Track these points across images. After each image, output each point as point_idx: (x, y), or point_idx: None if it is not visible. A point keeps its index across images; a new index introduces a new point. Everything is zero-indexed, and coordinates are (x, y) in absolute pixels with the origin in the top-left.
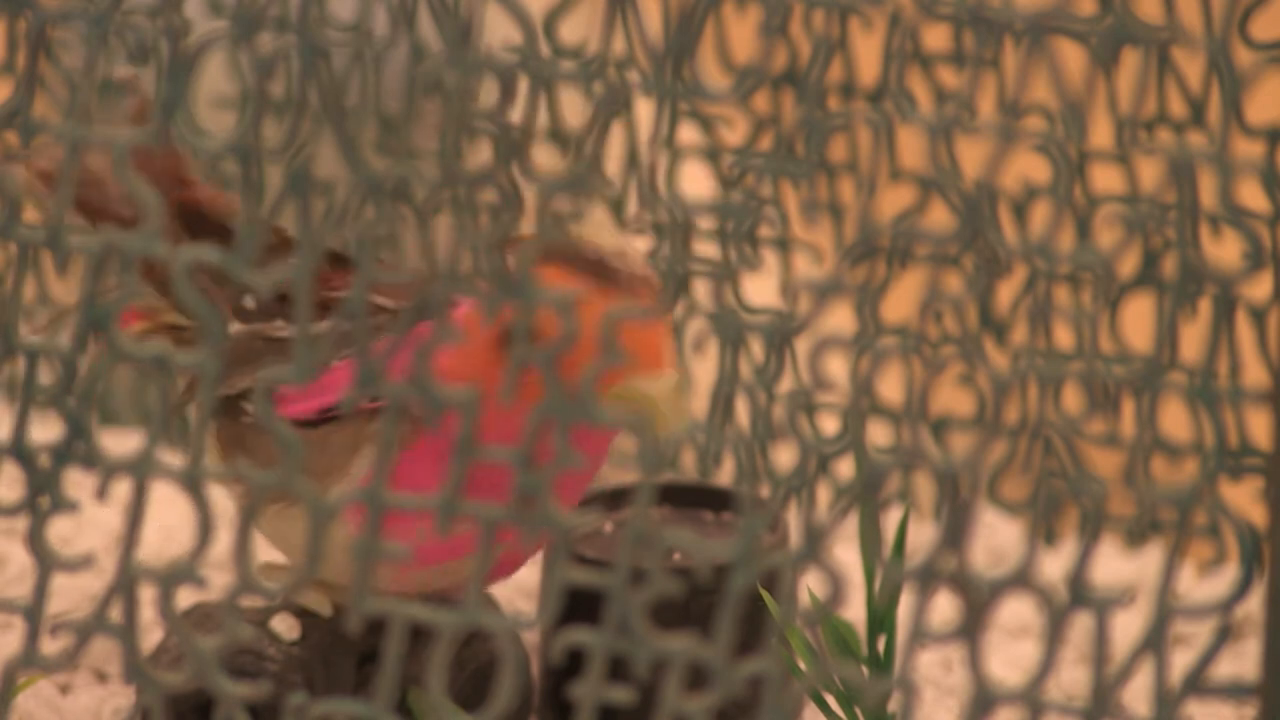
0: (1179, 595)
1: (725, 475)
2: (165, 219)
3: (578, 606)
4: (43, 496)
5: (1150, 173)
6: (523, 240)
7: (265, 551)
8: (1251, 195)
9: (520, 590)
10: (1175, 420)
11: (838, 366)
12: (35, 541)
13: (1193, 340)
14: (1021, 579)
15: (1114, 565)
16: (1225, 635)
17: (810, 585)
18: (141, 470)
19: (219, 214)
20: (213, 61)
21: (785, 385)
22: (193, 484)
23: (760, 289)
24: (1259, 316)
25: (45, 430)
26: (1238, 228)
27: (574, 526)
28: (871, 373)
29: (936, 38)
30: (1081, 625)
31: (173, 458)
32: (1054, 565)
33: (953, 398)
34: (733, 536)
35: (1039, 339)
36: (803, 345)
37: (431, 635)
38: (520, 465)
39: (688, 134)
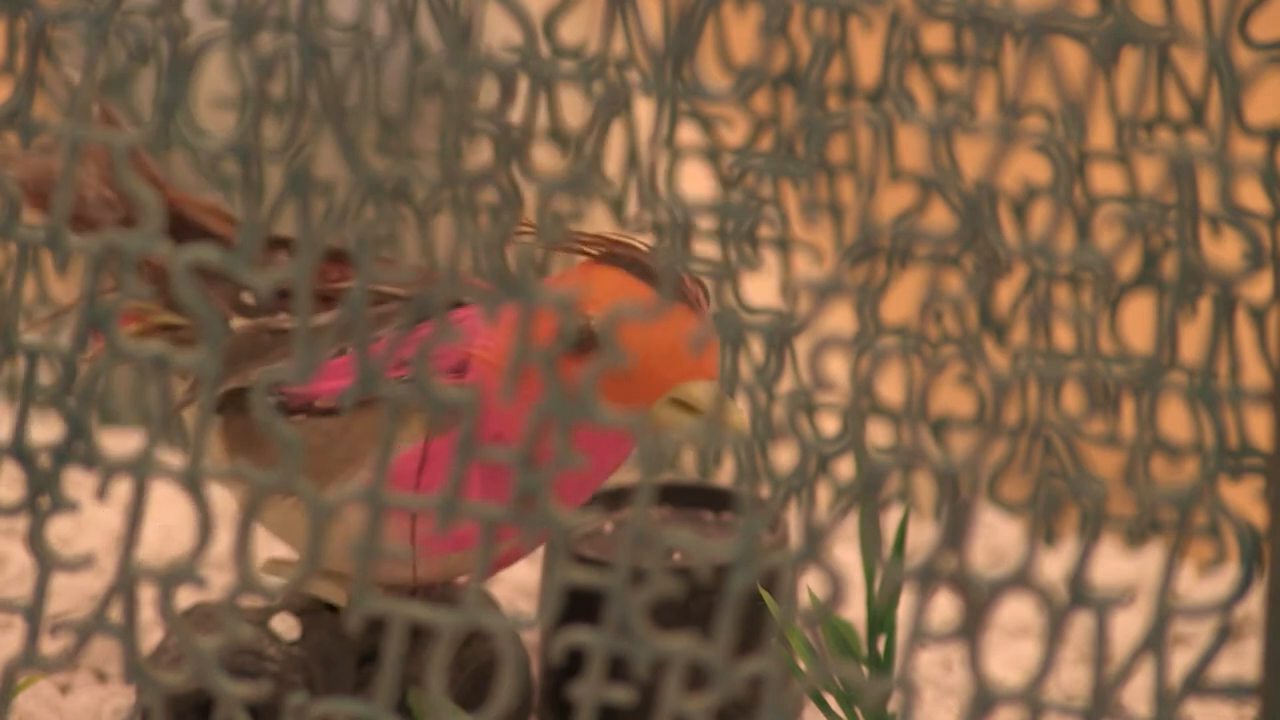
0: (1179, 595)
1: (725, 475)
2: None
3: (578, 606)
4: (43, 496)
5: (1150, 173)
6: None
7: (267, 547)
8: (1251, 195)
9: (520, 590)
10: (1175, 420)
11: (838, 366)
12: (35, 541)
13: (1193, 340)
14: (1021, 579)
15: (1114, 565)
16: (1225, 635)
17: (810, 585)
18: (141, 470)
19: (186, 212)
20: (213, 61)
21: (785, 385)
22: (193, 484)
23: (760, 289)
24: (1259, 316)
25: (45, 430)
26: (1238, 228)
27: (574, 526)
28: (871, 373)
29: (936, 38)
30: (1081, 625)
31: (173, 458)
32: (1054, 565)
33: (953, 398)
34: (733, 536)
35: (1039, 339)
36: (803, 345)
37: (431, 635)
38: (521, 465)
39: (688, 134)
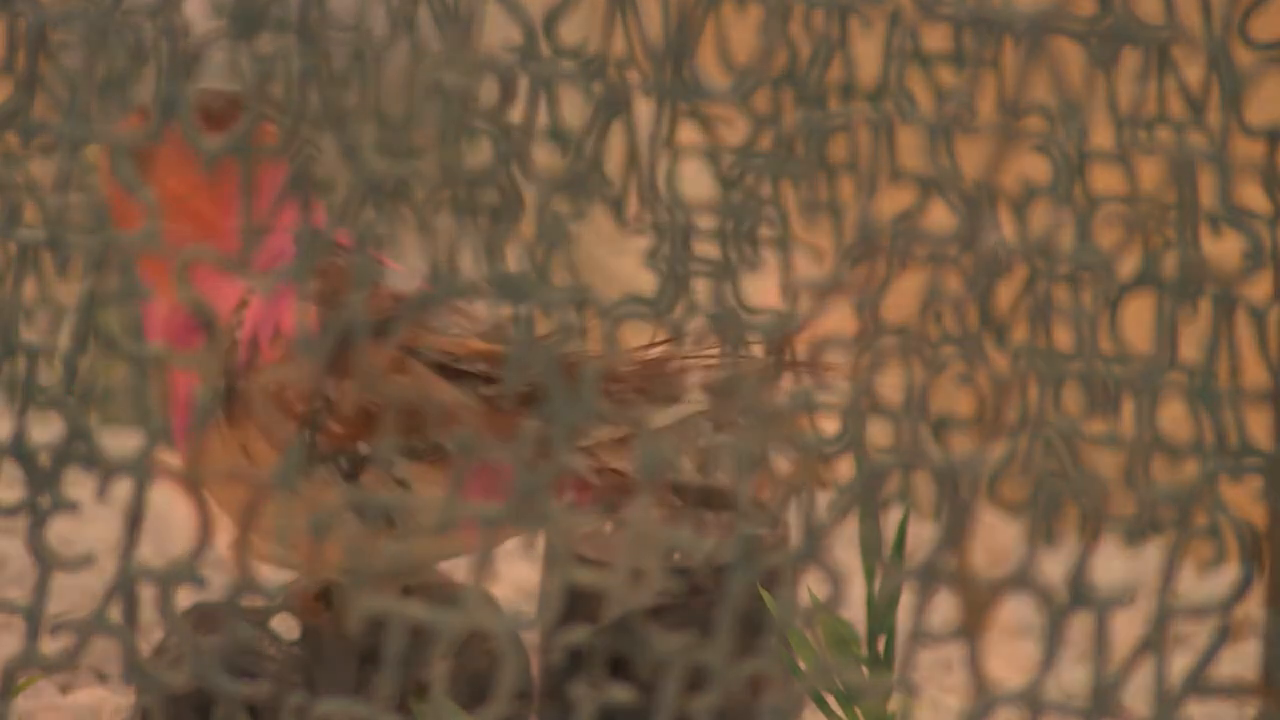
0: (1179, 595)
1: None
2: None
3: (578, 606)
4: (43, 496)
5: (1150, 173)
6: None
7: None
8: (1251, 195)
9: (520, 590)
10: (1175, 420)
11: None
12: (35, 541)
13: (1193, 340)
14: (1021, 579)
15: (1114, 565)
16: (1225, 635)
17: (810, 585)
18: (141, 470)
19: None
20: (213, 61)
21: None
22: (193, 484)
23: (760, 289)
24: (1259, 316)
25: (45, 430)
26: (1238, 228)
27: (574, 526)
28: (871, 373)
29: (936, 38)
30: (1081, 625)
31: (173, 458)
32: (1054, 565)
33: (953, 398)
34: (733, 536)
35: (1039, 339)
36: (803, 345)
37: (431, 635)
38: (520, 466)
39: (688, 134)
